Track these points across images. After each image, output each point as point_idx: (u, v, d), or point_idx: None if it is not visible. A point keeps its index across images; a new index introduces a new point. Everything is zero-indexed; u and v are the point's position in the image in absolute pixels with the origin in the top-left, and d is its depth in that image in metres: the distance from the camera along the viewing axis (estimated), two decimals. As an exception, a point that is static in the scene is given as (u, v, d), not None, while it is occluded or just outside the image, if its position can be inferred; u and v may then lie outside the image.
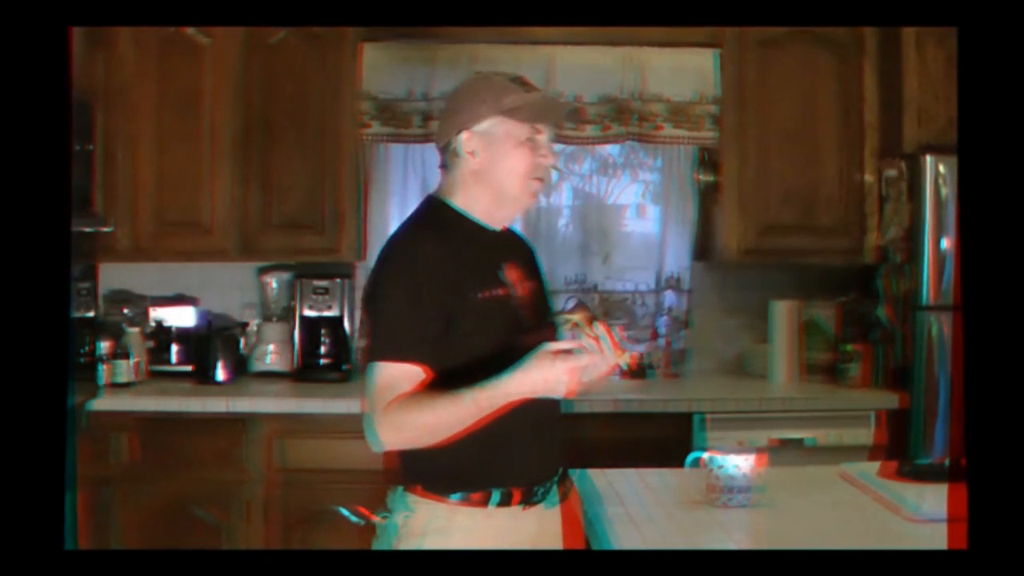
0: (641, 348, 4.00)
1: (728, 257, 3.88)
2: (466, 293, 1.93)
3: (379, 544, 2.00)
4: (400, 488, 2.00)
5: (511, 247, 2.12)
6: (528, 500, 1.98)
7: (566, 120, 2.10)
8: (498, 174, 2.00)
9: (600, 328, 1.94)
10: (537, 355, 1.81)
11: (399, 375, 1.89)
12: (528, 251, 2.21)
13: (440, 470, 1.95)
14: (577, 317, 1.97)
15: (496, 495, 1.95)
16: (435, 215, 2.05)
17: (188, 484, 3.42)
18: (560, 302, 3.98)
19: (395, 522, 1.97)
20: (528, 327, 1.99)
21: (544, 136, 2.01)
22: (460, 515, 1.94)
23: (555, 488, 2.05)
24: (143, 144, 3.71)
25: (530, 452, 2.00)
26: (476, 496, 1.95)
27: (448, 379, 1.88)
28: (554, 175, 4.09)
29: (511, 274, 2.03)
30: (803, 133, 3.83)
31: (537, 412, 1.93)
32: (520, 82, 2.04)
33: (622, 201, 4.21)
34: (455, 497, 1.95)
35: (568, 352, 1.82)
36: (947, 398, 3.46)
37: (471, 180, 2.03)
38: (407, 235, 2.04)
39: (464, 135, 2.01)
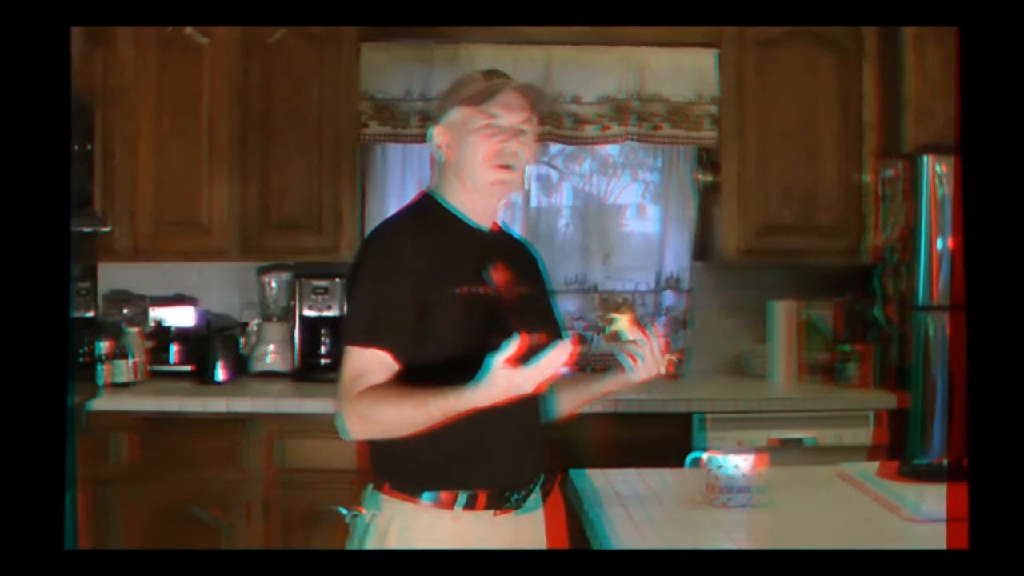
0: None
1: (728, 257, 3.88)
2: (442, 286, 1.92)
3: (350, 541, 2.00)
4: (370, 486, 2.00)
5: (504, 250, 2.09)
6: (498, 505, 1.95)
7: (535, 106, 2.05)
8: (462, 162, 2.00)
9: (652, 333, 1.98)
10: (491, 370, 1.74)
11: (368, 362, 1.89)
12: (527, 258, 2.19)
13: (407, 469, 1.94)
14: (620, 321, 1.97)
15: (463, 497, 1.93)
16: (423, 209, 2.06)
17: (188, 484, 3.42)
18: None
19: (364, 520, 1.97)
20: (511, 330, 1.93)
21: (505, 121, 1.98)
22: (425, 515, 1.93)
23: (534, 495, 2.02)
24: (142, 144, 3.71)
25: (501, 456, 1.96)
26: (445, 497, 1.93)
27: (418, 372, 1.88)
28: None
29: (498, 275, 2.00)
30: (803, 133, 3.83)
31: (512, 417, 1.90)
32: (492, 73, 2.03)
33: (622, 201, 4.21)
34: (426, 497, 1.93)
35: (518, 356, 1.74)
36: (946, 398, 3.46)
37: (446, 173, 2.05)
38: (390, 224, 2.06)
39: (434, 129, 2.05)
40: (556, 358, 1.74)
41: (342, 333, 1.98)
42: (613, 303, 1.90)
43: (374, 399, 1.87)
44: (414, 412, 1.83)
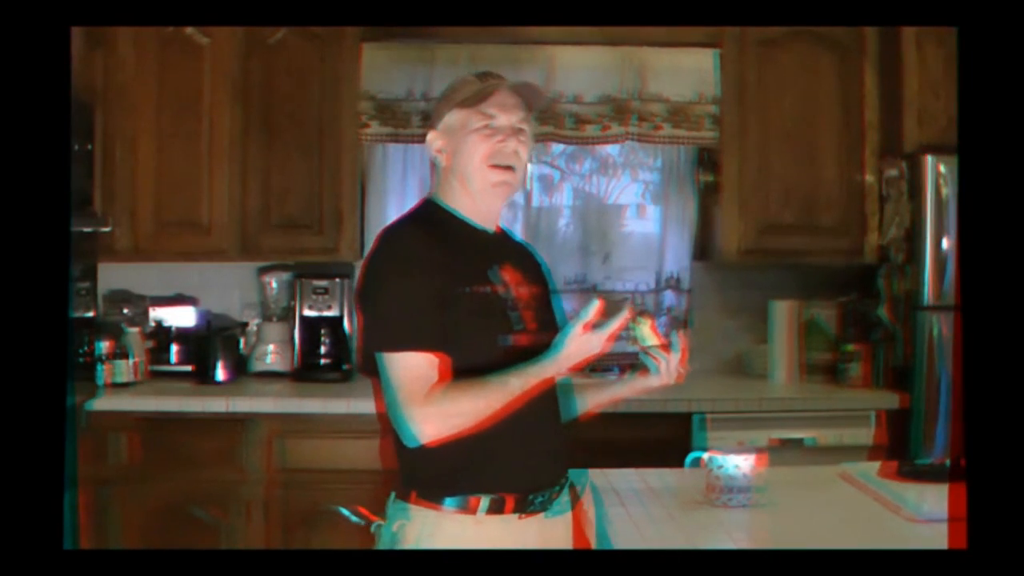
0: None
1: (728, 257, 3.88)
2: (455, 286, 1.92)
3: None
4: (393, 495, 1.99)
5: (509, 251, 2.10)
6: (524, 508, 1.94)
7: (531, 104, 2.05)
8: (461, 166, 2.00)
9: (676, 339, 2.05)
10: (570, 336, 1.84)
11: (426, 365, 1.87)
12: (530, 259, 2.19)
13: (431, 475, 1.93)
14: (642, 326, 2.00)
15: (485, 501, 1.92)
16: (427, 213, 2.05)
17: (188, 484, 3.42)
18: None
19: (391, 530, 1.95)
20: (521, 330, 1.97)
21: (502, 120, 1.98)
22: (448, 522, 1.91)
23: (561, 498, 2.01)
24: (143, 144, 3.71)
25: (523, 458, 1.96)
26: (470, 502, 1.92)
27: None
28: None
29: (505, 275, 2.01)
30: (803, 133, 3.83)
31: (533, 418, 1.91)
32: (485, 75, 2.03)
33: (622, 201, 4.21)
34: (450, 503, 1.92)
35: (593, 322, 1.85)
36: (947, 398, 3.46)
37: (446, 177, 2.04)
38: (398, 228, 2.03)
39: (431, 135, 2.05)
40: (623, 321, 1.89)
41: (373, 340, 1.92)
42: (635, 308, 1.89)
43: (451, 395, 1.86)
44: (498, 394, 1.85)
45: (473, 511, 1.92)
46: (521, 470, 1.96)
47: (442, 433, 1.86)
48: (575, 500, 2.06)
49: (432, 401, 1.85)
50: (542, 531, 1.97)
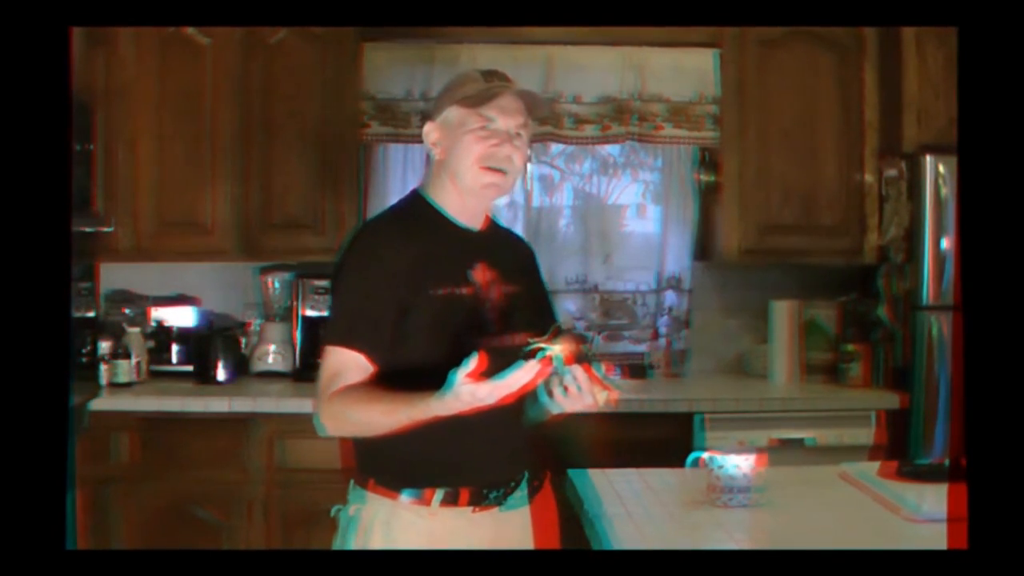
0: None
1: (728, 257, 3.88)
2: (423, 288, 1.92)
3: (336, 537, 2.02)
4: (352, 481, 2.02)
5: (491, 248, 2.07)
6: (479, 502, 1.96)
7: (532, 111, 2.05)
8: (453, 163, 1.99)
9: (579, 370, 1.78)
10: (453, 385, 1.71)
11: (345, 363, 1.91)
12: (519, 254, 2.18)
13: (388, 465, 1.96)
14: (555, 351, 1.75)
15: (439, 494, 1.94)
16: (410, 208, 2.06)
17: (188, 484, 3.42)
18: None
19: (348, 514, 1.99)
20: (492, 330, 1.96)
21: (500, 124, 1.97)
22: (404, 511, 1.94)
23: (517, 493, 2.02)
24: (143, 144, 3.71)
25: (480, 453, 1.96)
26: (425, 494, 1.94)
27: (399, 372, 1.89)
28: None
29: (481, 275, 2.00)
30: (803, 133, 3.83)
31: (493, 415, 1.86)
32: (491, 74, 2.02)
33: (622, 201, 4.21)
34: (406, 493, 1.95)
35: (480, 371, 1.71)
36: (947, 398, 3.46)
37: (437, 171, 2.04)
38: (375, 224, 2.06)
39: (428, 126, 2.04)
40: (520, 377, 1.71)
41: (323, 332, 1.99)
42: (552, 330, 1.64)
43: (347, 401, 1.89)
44: (382, 418, 1.86)
45: (428, 503, 1.94)
46: (477, 465, 1.98)
47: (340, 433, 1.95)
48: (533, 495, 2.07)
49: (333, 402, 1.90)
50: (496, 525, 1.99)
